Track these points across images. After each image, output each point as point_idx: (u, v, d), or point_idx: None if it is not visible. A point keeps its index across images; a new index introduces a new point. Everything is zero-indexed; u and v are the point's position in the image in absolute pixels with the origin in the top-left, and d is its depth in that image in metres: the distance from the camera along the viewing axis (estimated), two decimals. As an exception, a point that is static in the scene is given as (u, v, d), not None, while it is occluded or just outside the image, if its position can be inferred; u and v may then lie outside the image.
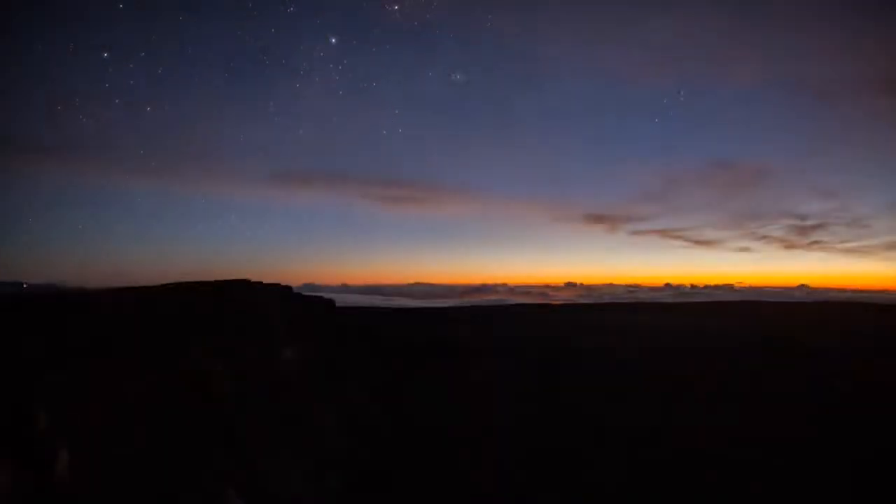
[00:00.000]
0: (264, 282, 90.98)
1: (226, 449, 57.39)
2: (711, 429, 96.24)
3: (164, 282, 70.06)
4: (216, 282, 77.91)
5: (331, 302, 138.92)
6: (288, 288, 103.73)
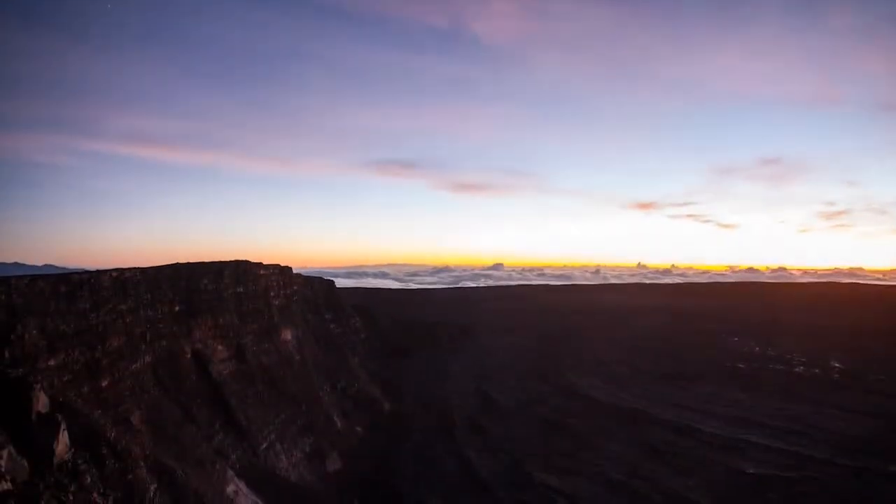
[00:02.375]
0: (264, 262, 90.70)
1: (225, 428, 57.72)
2: (698, 409, 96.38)
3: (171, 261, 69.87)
4: (216, 263, 77.59)
5: (331, 282, 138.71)
6: (288, 268, 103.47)
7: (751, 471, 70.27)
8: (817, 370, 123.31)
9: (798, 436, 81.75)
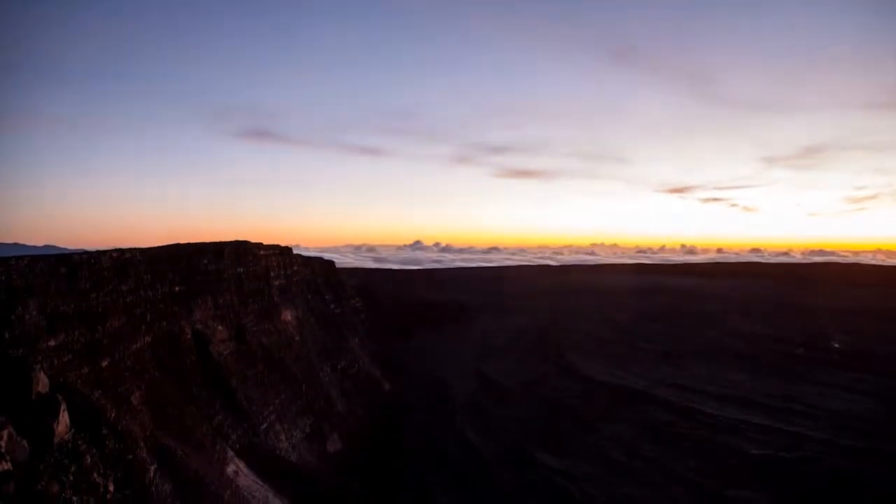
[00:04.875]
0: (264, 242, 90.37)
1: (225, 408, 57.75)
2: (698, 390, 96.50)
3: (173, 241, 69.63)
4: (216, 243, 77.29)
5: (331, 263, 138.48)
6: (288, 248, 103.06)
7: (751, 451, 70.42)
8: (819, 350, 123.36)
9: (799, 416, 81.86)
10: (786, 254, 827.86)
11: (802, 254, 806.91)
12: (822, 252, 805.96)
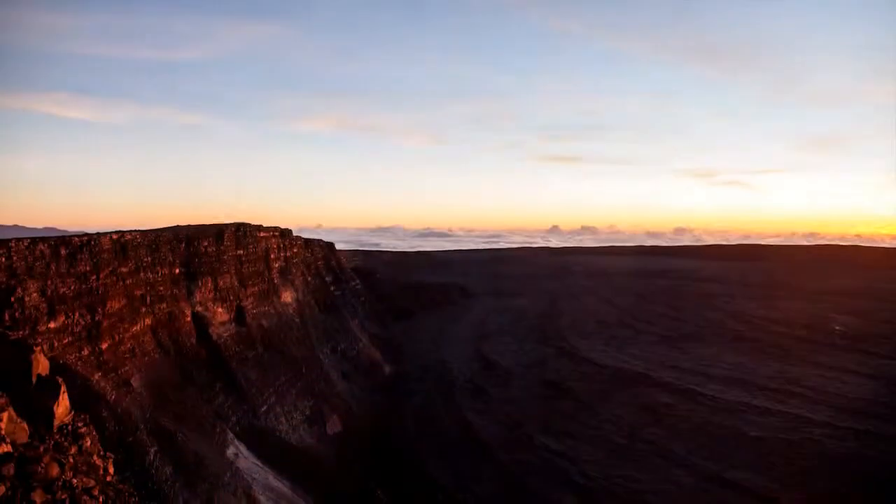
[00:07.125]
0: (264, 225, 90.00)
1: (225, 390, 57.83)
2: (699, 372, 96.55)
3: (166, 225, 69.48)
4: (216, 225, 77.00)
5: (331, 245, 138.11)
6: (288, 230, 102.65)
7: (752, 433, 70.59)
8: (819, 332, 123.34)
9: (799, 398, 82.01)
10: (783, 236, 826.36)
11: (804, 237, 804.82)
12: (824, 236, 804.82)
